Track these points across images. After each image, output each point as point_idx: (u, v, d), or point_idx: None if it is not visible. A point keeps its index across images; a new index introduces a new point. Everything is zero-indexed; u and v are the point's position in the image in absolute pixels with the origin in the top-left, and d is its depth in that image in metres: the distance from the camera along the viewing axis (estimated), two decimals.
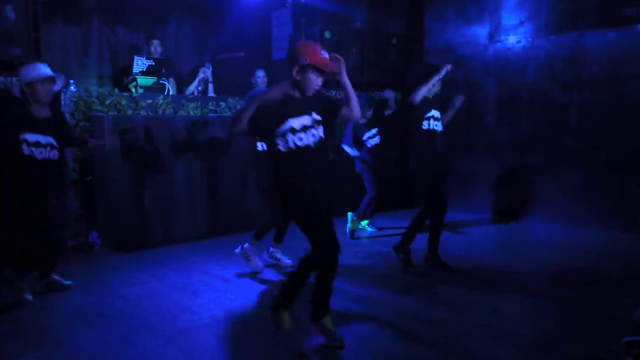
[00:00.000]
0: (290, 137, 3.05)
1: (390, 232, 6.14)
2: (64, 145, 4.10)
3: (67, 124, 4.27)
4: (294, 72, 3.08)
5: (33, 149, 3.82)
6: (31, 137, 3.82)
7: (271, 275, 4.60)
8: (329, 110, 3.19)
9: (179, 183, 5.76)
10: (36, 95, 3.83)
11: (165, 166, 5.64)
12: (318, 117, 3.14)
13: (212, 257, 5.17)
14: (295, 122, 3.06)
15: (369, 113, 5.98)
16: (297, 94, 3.13)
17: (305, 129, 3.08)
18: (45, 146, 3.88)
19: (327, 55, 3.08)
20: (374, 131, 6.05)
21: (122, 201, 5.42)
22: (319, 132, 3.13)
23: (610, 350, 3.00)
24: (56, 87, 4.04)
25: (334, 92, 6.92)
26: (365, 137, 6.00)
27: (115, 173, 5.38)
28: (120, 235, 5.45)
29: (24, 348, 3.24)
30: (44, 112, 3.95)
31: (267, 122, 3.07)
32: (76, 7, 6.87)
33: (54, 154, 3.94)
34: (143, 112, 5.69)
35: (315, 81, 3.10)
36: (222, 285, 4.35)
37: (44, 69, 3.86)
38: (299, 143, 3.06)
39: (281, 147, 3.06)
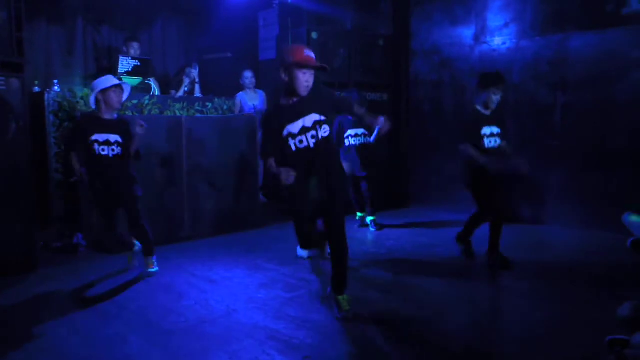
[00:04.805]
0: (291, 141, 3.32)
1: (384, 231, 6.17)
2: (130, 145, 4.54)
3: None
4: (282, 75, 3.28)
5: (103, 146, 4.39)
6: (101, 137, 4.38)
7: (259, 277, 4.58)
8: (340, 109, 3.65)
9: (164, 185, 5.72)
10: (109, 101, 4.38)
11: (149, 167, 5.59)
12: (320, 118, 3.34)
13: (198, 258, 5.15)
14: (293, 127, 3.31)
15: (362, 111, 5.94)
16: (291, 100, 3.33)
17: (303, 131, 3.32)
18: (113, 144, 4.43)
19: (311, 54, 3.27)
20: (359, 131, 6.02)
21: None
22: (321, 132, 3.35)
23: (594, 348, 3.03)
24: (124, 96, 4.51)
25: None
26: (347, 134, 5.97)
27: None
28: (105, 236, 5.39)
29: (6, 351, 3.20)
30: (110, 115, 4.49)
31: (274, 133, 3.36)
32: (61, 6, 6.80)
33: (119, 150, 4.46)
34: (129, 113, 5.64)
35: (303, 78, 3.24)
36: (209, 287, 4.33)
37: (114, 79, 4.45)
38: (299, 145, 3.33)
39: (288, 150, 3.35)
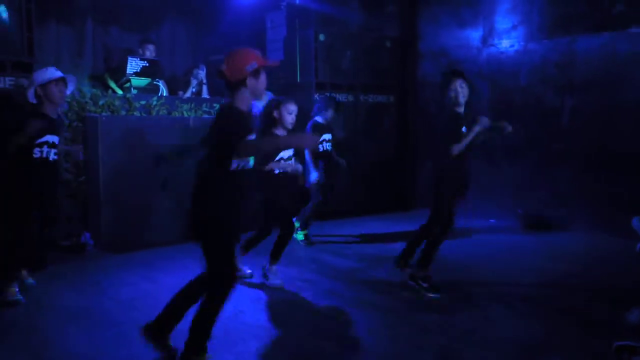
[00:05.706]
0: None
1: (382, 235, 6.17)
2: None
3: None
4: (251, 81, 2.81)
5: (49, 149, 3.93)
6: (50, 138, 3.93)
7: (260, 278, 4.58)
8: None
9: (171, 184, 5.73)
10: (50, 96, 3.90)
11: (157, 167, 5.61)
12: None
13: (202, 258, 5.14)
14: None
15: (328, 113, 5.72)
16: (245, 109, 2.89)
17: None
18: (57, 146, 4.00)
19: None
20: (327, 136, 5.74)
21: (114, 202, 5.40)
22: None
23: (601, 355, 3.01)
24: (68, 90, 4.11)
25: (329, 94, 6.91)
26: (322, 138, 5.66)
27: (107, 174, 5.35)
28: (112, 236, 5.42)
29: (13, 348, 3.23)
30: (55, 113, 4.05)
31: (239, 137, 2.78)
32: (70, 7, 6.85)
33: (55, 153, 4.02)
34: (137, 113, 5.67)
35: (266, 80, 2.90)
36: None
37: (56, 71, 3.97)
38: (241, 163, 2.87)
39: (232, 166, 2.84)
